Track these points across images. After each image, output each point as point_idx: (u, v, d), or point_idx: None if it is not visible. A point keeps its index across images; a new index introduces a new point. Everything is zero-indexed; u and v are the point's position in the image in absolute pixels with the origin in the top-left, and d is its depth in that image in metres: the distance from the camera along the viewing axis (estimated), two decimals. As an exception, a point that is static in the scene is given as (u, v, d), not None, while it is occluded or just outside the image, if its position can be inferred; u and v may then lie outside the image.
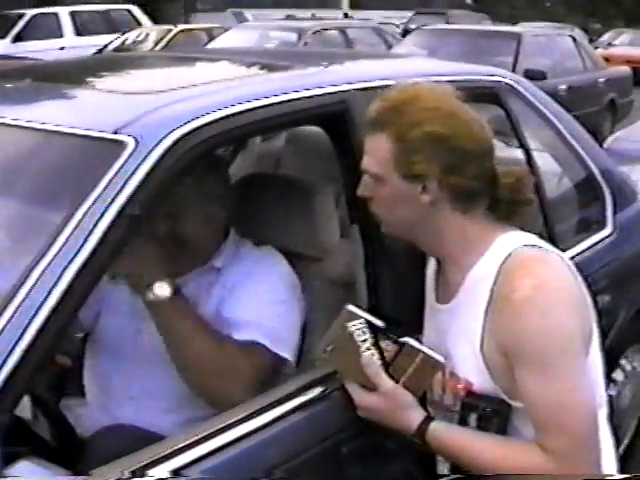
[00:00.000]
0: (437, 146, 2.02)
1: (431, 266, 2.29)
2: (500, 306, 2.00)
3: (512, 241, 2.06)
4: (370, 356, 2.11)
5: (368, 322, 2.12)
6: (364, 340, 2.11)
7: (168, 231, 2.41)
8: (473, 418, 2.08)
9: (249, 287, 2.46)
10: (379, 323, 2.13)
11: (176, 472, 1.84)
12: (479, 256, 2.07)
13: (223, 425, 2.01)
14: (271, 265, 2.55)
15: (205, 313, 2.43)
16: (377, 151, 2.08)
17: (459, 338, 2.10)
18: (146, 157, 1.95)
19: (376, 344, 2.11)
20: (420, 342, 2.17)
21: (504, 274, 2.01)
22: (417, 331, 2.26)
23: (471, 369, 2.07)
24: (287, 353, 2.42)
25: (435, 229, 2.11)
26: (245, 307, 2.42)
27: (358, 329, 2.11)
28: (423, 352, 2.10)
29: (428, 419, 2.09)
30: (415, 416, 2.10)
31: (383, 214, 2.15)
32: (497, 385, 2.04)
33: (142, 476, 1.77)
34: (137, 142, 1.97)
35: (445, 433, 2.09)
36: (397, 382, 2.10)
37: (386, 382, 2.10)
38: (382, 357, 2.11)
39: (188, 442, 1.92)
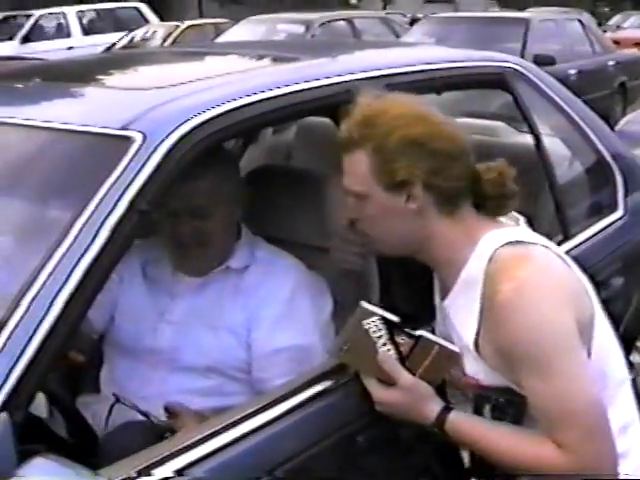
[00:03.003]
0: (416, 150, 2.02)
1: None
2: (488, 313, 2.01)
3: (494, 241, 2.05)
4: (386, 351, 2.10)
5: (383, 318, 2.11)
6: (380, 336, 2.10)
7: (193, 230, 2.41)
8: (487, 409, 2.09)
9: (279, 311, 2.46)
10: (394, 318, 2.12)
11: (186, 467, 1.84)
12: (466, 259, 2.07)
13: (233, 420, 2.01)
14: (296, 279, 2.52)
15: (230, 318, 2.45)
16: (356, 169, 2.07)
17: (458, 338, 2.12)
18: (154, 152, 1.95)
19: (392, 339, 2.11)
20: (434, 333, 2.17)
21: (488, 279, 2.01)
22: (430, 321, 2.26)
23: (474, 367, 2.08)
24: None
25: (425, 237, 2.10)
26: (282, 335, 2.44)
27: (373, 326, 2.10)
28: (439, 344, 2.11)
29: (447, 409, 2.09)
30: (433, 407, 2.10)
31: (373, 233, 2.13)
32: (504, 378, 2.04)
33: (148, 475, 1.77)
34: (145, 137, 1.97)
35: (463, 423, 2.08)
36: (414, 374, 2.10)
37: (405, 376, 2.10)
38: (398, 351, 2.11)
39: (198, 438, 1.92)
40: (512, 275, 1.96)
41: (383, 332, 2.10)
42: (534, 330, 1.95)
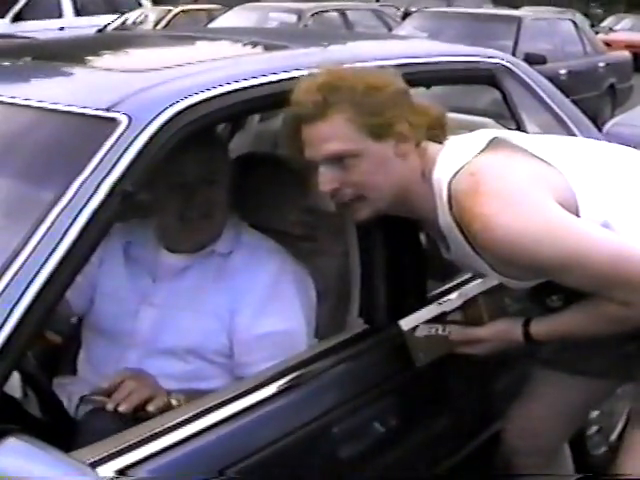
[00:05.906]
0: (388, 95, 2.12)
1: None
2: (481, 251, 2.12)
3: (444, 175, 2.15)
4: (453, 330, 2.30)
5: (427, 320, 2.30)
6: (436, 329, 2.29)
7: (204, 198, 2.43)
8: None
9: (262, 295, 2.45)
10: (432, 312, 2.31)
11: (156, 454, 1.86)
12: (435, 206, 2.17)
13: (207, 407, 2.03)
14: (280, 264, 2.52)
15: (213, 302, 2.44)
16: (339, 131, 2.10)
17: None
18: (139, 134, 1.94)
19: (445, 323, 2.30)
20: None
21: (460, 223, 2.11)
22: (411, 311, 2.28)
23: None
24: None
25: (407, 180, 2.19)
26: (265, 319, 2.44)
27: (426, 328, 2.30)
28: (480, 294, 2.30)
29: (526, 327, 2.26)
30: (517, 332, 2.28)
31: (365, 191, 2.15)
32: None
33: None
34: (130, 119, 1.96)
35: (542, 328, 2.26)
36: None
37: (481, 331, 2.31)
38: (459, 323, 2.31)
39: (172, 424, 1.94)
40: (474, 215, 2.04)
41: (435, 325, 2.30)
42: (530, 247, 2.01)
